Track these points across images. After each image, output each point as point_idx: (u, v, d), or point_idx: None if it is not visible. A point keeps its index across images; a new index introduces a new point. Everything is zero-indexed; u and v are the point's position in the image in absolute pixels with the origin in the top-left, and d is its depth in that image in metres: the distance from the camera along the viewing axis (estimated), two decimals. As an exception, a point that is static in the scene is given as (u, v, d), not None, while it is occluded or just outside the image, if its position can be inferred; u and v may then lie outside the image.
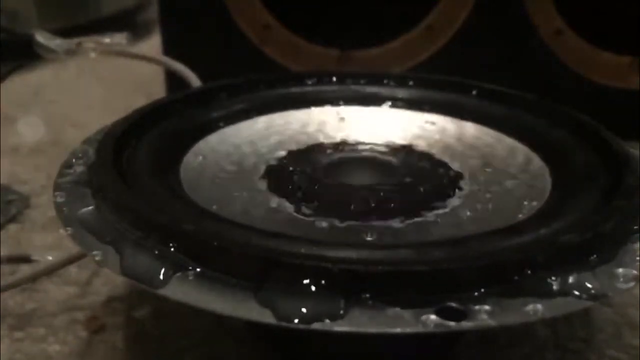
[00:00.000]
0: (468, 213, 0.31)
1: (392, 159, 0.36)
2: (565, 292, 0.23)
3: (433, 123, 0.38)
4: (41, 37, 0.46)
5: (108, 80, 0.70)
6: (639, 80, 0.53)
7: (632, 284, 0.24)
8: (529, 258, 0.24)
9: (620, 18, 0.51)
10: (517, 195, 0.32)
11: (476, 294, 0.22)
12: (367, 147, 0.37)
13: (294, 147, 0.37)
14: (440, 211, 0.31)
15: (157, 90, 0.57)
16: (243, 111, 0.38)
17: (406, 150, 0.37)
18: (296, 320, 0.22)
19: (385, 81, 0.40)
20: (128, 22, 0.82)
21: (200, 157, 0.34)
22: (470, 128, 0.37)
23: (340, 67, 0.53)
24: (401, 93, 0.39)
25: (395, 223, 0.30)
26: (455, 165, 0.35)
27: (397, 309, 0.22)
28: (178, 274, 0.23)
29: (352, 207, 0.31)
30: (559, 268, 0.23)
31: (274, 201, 0.32)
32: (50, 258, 0.37)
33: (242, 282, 0.23)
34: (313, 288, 0.22)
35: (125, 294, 0.37)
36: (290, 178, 0.34)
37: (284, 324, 0.22)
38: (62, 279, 0.38)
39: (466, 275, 0.23)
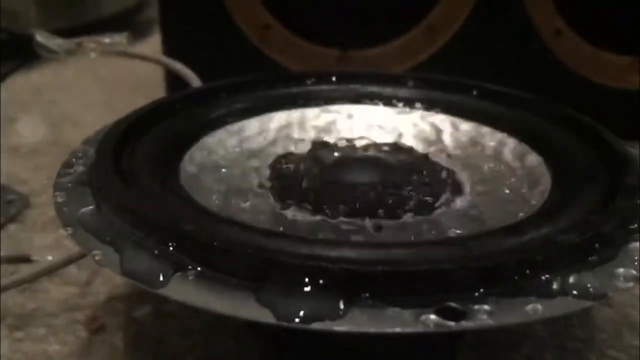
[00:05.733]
0: (467, 213, 0.31)
1: (391, 159, 0.36)
2: (565, 292, 0.23)
3: (433, 123, 0.38)
4: (41, 37, 0.46)
5: (108, 80, 0.70)
6: (639, 80, 0.53)
7: (632, 283, 0.24)
8: (529, 258, 0.24)
9: (620, 18, 0.51)
10: (516, 195, 0.32)
11: (476, 294, 0.22)
12: (367, 147, 0.37)
13: (294, 146, 0.37)
14: (440, 211, 0.31)
15: (157, 90, 0.57)
16: (243, 111, 0.38)
17: (406, 150, 0.37)
18: (296, 320, 0.22)
19: (384, 81, 0.40)
20: (128, 22, 0.82)
21: (201, 157, 0.34)
22: (469, 128, 0.37)
23: (340, 67, 0.53)
24: (401, 93, 0.39)
25: (395, 223, 0.30)
26: (454, 165, 0.35)
27: (397, 309, 0.22)
28: (178, 274, 0.23)
29: (352, 207, 0.31)
30: (559, 268, 0.23)
31: (274, 201, 0.32)
32: (50, 258, 0.37)
33: (242, 282, 0.23)
34: (313, 288, 0.22)
35: (125, 294, 0.37)
36: (290, 178, 0.34)
37: (284, 324, 0.22)
38: (62, 279, 0.38)
39: (466, 275, 0.23)
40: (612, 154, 0.31)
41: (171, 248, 0.24)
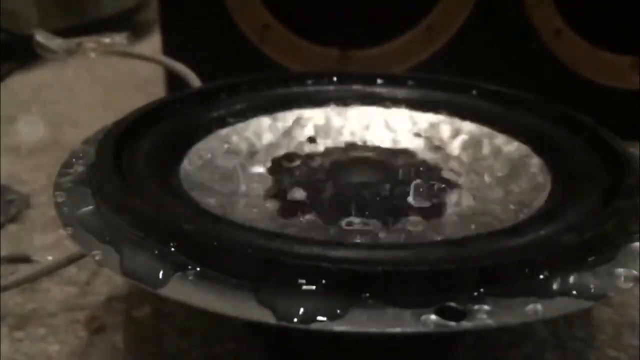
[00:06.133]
0: (467, 213, 0.31)
1: (391, 160, 0.36)
2: (565, 292, 0.23)
3: (432, 123, 0.38)
4: (41, 37, 0.46)
5: (108, 80, 0.70)
6: (639, 80, 0.53)
7: (632, 284, 0.24)
8: (529, 258, 0.24)
9: (620, 18, 0.51)
10: (516, 195, 0.32)
11: (476, 294, 0.22)
12: (367, 147, 0.37)
13: (293, 147, 0.37)
14: (440, 212, 0.31)
15: (157, 90, 0.57)
16: (243, 111, 0.38)
17: (405, 151, 0.37)
18: (296, 320, 0.22)
19: (384, 81, 0.40)
20: (128, 22, 0.82)
21: (200, 157, 0.34)
22: (469, 128, 0.37)
23: (340, 67, 0.53)
24: (401, 93, 0.39)
25: (395, 223, 0.30)
26: (454, 165, 0.35)
27: (397, 309, 0.22)
28: (178, 274, 0.23)
29: (352, 207, 0.31)
30: (559, 268, 0.23)
31: (274, 201, 0.32)
32: (50, 258, 0.37)
33: (242, 282, 0.23)
34: (313, 288, 0.22)
35: (125, 294, 0.37)
36: (290, 178, 0.34)
37: (284, 324, 0.22)
38: (62, 279, 0.38)
39: (466, 275, 0.23)
40: (612, 154, 0.31)
41: (171, 248, 0.24)
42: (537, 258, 0.23)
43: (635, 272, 0.24)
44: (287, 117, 0.38)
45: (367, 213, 0.31)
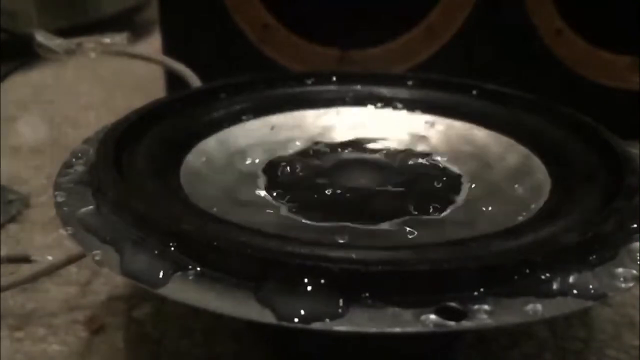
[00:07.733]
0: (467, 214, 0.31)
1: (391, 161, 0.36)
2: (565, 292, 0.23)
3: (432, 124, 0.38)
4: (41, 37, 0.46)
5: (108, 80, 0.70)
6: (639, 80, 0.53)
7: (632, 284, 0.24)
8: (529, 258, 0.24)
9: (620, 18, 0.51)
10: (516, 196, 0.32)
11: (476, 293, 0.22)
12: (367, 148, 0.37)
13: (293, 148, 0.37)
14: (440, 213, 0.31)
15: (157, 90, 0.57)
16: (243, 111, 0.38)
17: (405, 152, 0.37)
18: (296, 320, 0.22)
19: (384, 81, 0.40)
20: (128, 22, 0.82)
21: (201, 158, 0.34)
22: (469, 128, 0.37)
23: (340, 67, 0.53)
24: (401, 93, 0.39)
25: (395, 224, 0.30)
26: (454, 166, 0.35)
27: (397, 309, 0.22)
28: (178, 274, 0.23)
29: (352, 208, 0.31)
30: (559, 268, 0.23)
31: (274, 201, 0.32)
32: (50, 258, 0.37)
33: (242, 282, 0.23)
34: (313, 288, 0.22)
35: (125, 294, 0.37)
36: (290, 179, 0.34)
37: (284, 324, 0.22)
38: (62, 279, 0.38)
39: (466, 275, 0.23)
40: (612, 154, 0.31)
41: (171, 248, 0.24)
42: (537, 258, 0.24)
43: (635, 272, 0.24)
44: (287, 118, 0.38)
45: (367, 213, 0.31)
